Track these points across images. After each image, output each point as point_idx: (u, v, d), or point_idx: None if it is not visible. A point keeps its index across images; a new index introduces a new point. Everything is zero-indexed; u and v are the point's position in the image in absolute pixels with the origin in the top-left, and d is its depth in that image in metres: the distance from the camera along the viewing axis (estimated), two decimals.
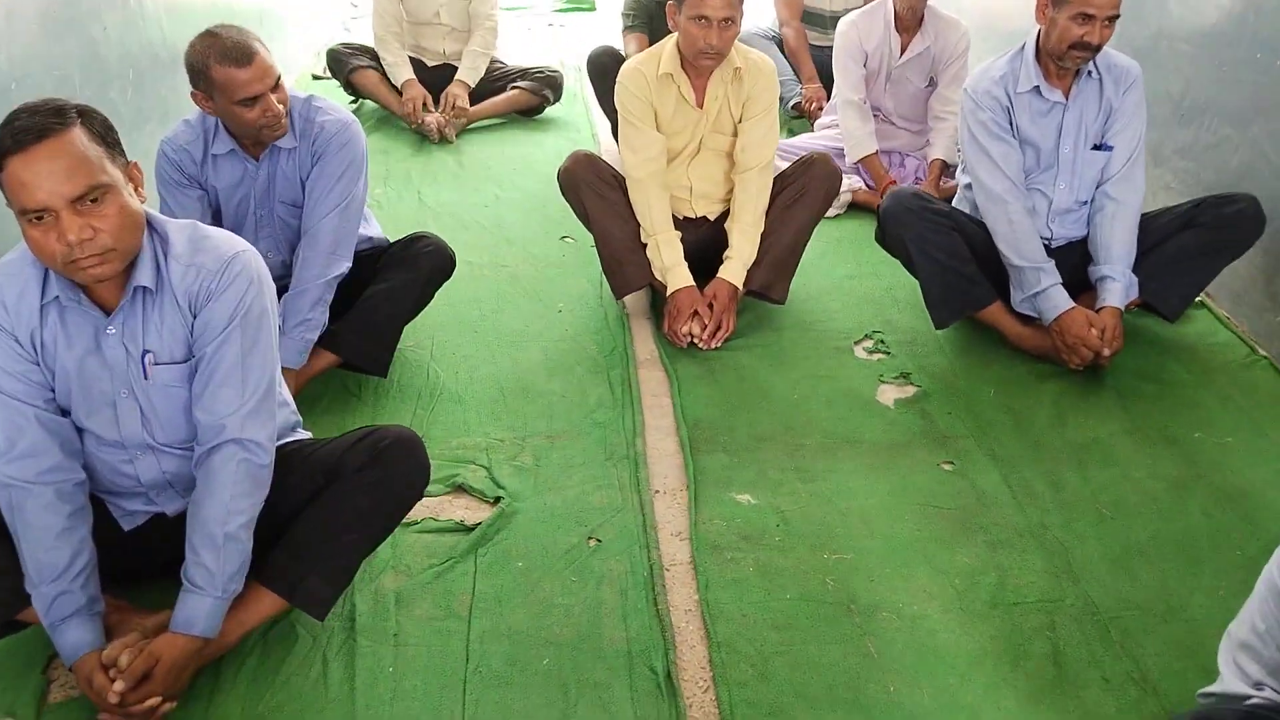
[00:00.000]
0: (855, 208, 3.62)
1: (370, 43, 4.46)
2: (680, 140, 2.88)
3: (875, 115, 3.68)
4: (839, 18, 4.47)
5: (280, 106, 2.31)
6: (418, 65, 4.46)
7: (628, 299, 2.99)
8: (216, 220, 2.50)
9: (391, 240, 2.72)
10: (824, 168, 2.88)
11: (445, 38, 4.48)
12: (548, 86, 4.47)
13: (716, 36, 2.66)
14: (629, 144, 2.85)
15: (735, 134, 2.87)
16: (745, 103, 2.84)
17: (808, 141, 3.79)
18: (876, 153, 3.57)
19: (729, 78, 2.81)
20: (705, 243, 2.97)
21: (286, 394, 1.94)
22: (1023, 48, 2.68)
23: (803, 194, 2.87)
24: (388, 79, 4.38)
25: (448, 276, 2.69)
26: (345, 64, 4.41)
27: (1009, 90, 2.66)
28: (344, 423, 2.44)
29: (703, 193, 2.95)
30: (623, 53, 4.07)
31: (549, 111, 4.55)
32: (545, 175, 3.92)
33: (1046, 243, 2.70)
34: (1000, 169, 2.66)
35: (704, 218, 2.99)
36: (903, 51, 3.59)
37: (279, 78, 2.31)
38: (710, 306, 2.80)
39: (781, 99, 4.37)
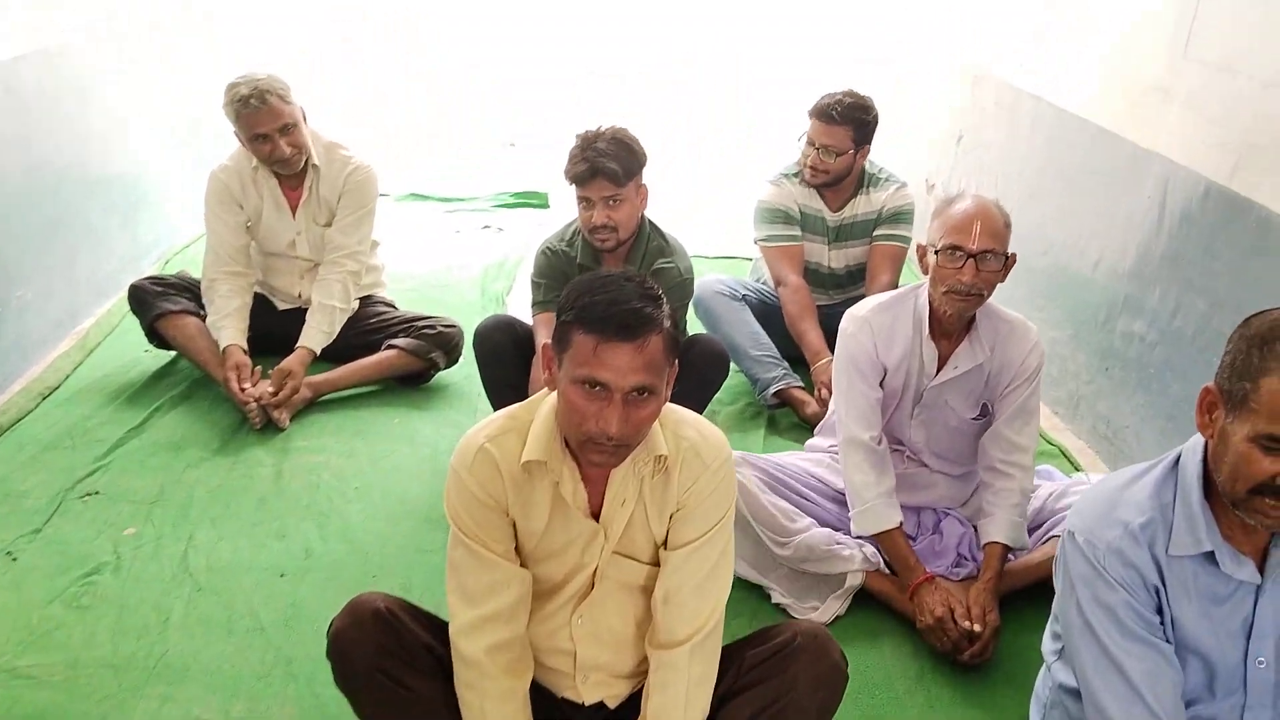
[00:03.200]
0: (864, 598, 2.29)
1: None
2: (558, 568, 1.59)
3: (895, 450, 2.40)
4: (839, 279, 3.32)
5: None
6: (265, 308, 3.22)
7: None
8: None
9: None
10: (816, 657, 1.54)
11: (303, 276, 3.26)
12: (437, 346, 3.20)
13: (617, 423, 1.40)
14: (462, 587, 1.55)
15: (656, 562, 1.59)
16: (676, 514, 1.56)
17: (797, 461, 2.49)
18: (900, 527, 2.26)
19: (646, 469, 1.55)
20: None
21: None
22: (1176, 463, 1.43)
23: (784, 698, 1.54)
24: None
25: None
26: (151, 307, 3.13)
27: (1155, 551, 1.40)
28: None
29: (596, 663, 1.63)
30: (523, 328, 2.80)
31: (440, 377, 3.28)
32: (403, 499, 2.64)
33: None
34: (1143, 700, 1.37)
35: (600, 705, 1.67)
36: (940, 367, 2.33)
37: None
38: None
39: (756, 380, 3.15)
